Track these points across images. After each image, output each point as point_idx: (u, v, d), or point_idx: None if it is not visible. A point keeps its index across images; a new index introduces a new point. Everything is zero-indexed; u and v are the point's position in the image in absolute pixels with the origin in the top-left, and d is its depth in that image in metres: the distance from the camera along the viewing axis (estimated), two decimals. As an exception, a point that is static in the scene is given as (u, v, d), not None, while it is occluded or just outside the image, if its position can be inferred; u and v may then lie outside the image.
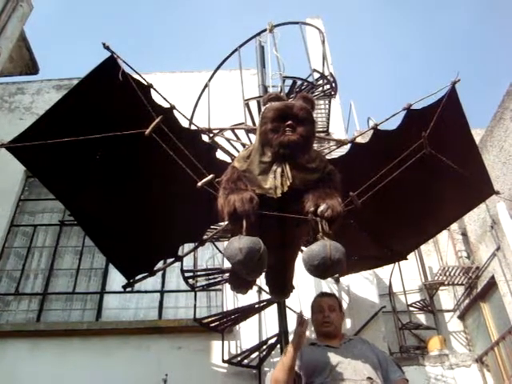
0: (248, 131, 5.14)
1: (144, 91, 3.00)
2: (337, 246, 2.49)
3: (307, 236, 3.02)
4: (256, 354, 5.30)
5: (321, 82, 5.95)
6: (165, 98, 3.18)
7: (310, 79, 5.78)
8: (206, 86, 5.78)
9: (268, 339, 5.22)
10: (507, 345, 6.94)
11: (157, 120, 2.88)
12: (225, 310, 5.80)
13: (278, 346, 4.88)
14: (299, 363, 2.88)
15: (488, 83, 34.27)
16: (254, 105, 5.49)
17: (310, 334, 3.83)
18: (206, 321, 5.32)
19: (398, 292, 8.88)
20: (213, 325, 5.35)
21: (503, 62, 30.70)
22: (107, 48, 2.89)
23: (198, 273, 5.69)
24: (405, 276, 8.84)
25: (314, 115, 2.99)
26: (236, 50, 5.81)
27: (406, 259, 4.81)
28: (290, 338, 4.80)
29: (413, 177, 3.14)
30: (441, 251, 9.57)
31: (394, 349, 7.59)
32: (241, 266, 2.53)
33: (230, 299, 5.95)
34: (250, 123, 5.31)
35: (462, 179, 3.46)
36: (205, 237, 4.40)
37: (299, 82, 5.78)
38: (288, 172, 2.69)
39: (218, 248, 5.86)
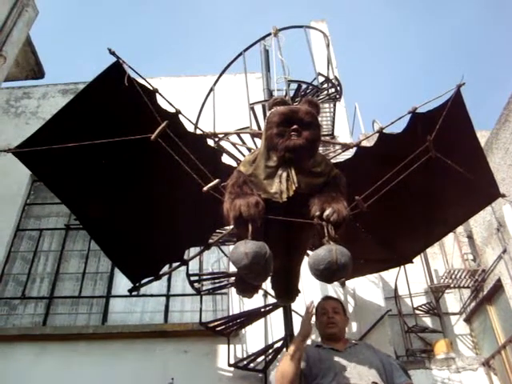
0: (253, 135, 5.14)
1: (149, 96, 3.02)
2: (342, 250, 2.49)
3: (313, 240, 3.01)
4: (262, 357, 5.29)
5: (326, 85, 5.95)
6: (170, 103, 3.19)
7: (315, 83, 5.78)
8: (211, 90, 5.79)
9: (274, 343, 5.22)
10: (514, 348, 6.92)
11: (162, 125, 2.89)
12: (231, 313, 5.79)
13: (284, 349, 4.88)
14: (305, 364, 2.86)
15: (494, 85, 34.19)
16: (259, 109, 5.49)
17: (316, 337, 3.83)
18: (211, 325, 5.32)
19: (403, 295, 8.86)
20: (219, 329, 5.35)
21: (509, 64, 30.62)
22: (113, 53, 2.90)
23: (204, 277, 5.69)
24: (410, 279, 8.81)
25: (319, 119, 2.99)
26: (241, 54, 5.82)
27: (412, 262, 4.79)
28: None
29: (418, 180, 3.15)
30: (447, 254, 9.53)
31: (400, 352, 7.57)
32: (246, 271, 2.54)
33: (236, 303, 5.94)
34: (255, 127, 5.31)
35: (468, 182, 3.45)
36: (210, 241, 4.40)
37: (304, 86, 5.78)
38: (293, 176, 2.69)
39: (223, 252, 5.87)
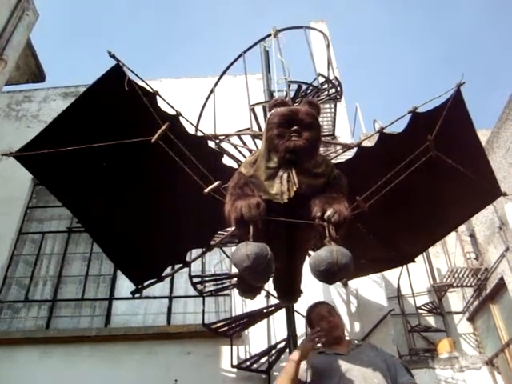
0: (254, 137, 5.14)
1: (150, 98, 3.02)
2: (343, 251, 2.49)
3: (314, 240, 3.02)
4: (265, 358, 5.29)
5: (326, 86, 5.95)
6: (171, 105, 3.19)
7: (315, 83, 5.78)
8: (212, 91, 5.78)
9: (277, 344, 5.22)
10: (517, 346, 6.91)
11: (163, 127, 2.90)
12: (233, 315, 5.79)
13: (287, 350, 4.88)
14: (310, 372, 2.85)
15: (494, 83, 34.17)
16: (259, 110, 5.49)
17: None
18: (214, 326, 5.32)
19: (406, 294, 8.84)
20: (221, 330, 5.35)
21: (509, 62, 30.60)
22: (113, 56, 2.91)
23: (206, 278, 5.70)
24: (413, 278, 8.80)
25: (320, 119, 2.99)
26: (241, 55, 5.81)
27: (414, 262, 4.79)
28: (299, 342, 4.80)
29: (419, 179, 3.15)
30: (449, 253, 9.51)
31: (403, 352, 7.56)
32: (248, 273, 2.54)
33: (239, 304, 5.94)
34: (255, 128, 5.31)
35: (469, 181, 3.45)
36: (212, 242, 4.41)
37: (304, 87, 5.79)
38: (294, 177, 2.69)
39: (225, 253, 5.87)
